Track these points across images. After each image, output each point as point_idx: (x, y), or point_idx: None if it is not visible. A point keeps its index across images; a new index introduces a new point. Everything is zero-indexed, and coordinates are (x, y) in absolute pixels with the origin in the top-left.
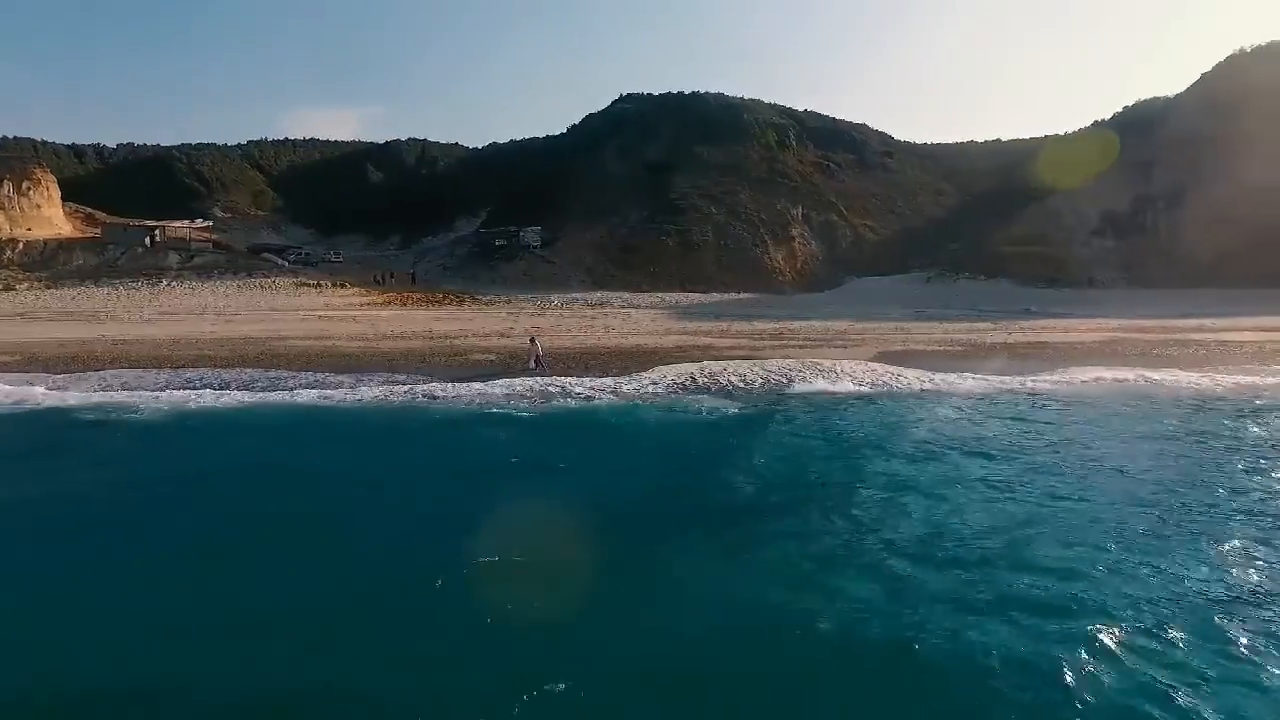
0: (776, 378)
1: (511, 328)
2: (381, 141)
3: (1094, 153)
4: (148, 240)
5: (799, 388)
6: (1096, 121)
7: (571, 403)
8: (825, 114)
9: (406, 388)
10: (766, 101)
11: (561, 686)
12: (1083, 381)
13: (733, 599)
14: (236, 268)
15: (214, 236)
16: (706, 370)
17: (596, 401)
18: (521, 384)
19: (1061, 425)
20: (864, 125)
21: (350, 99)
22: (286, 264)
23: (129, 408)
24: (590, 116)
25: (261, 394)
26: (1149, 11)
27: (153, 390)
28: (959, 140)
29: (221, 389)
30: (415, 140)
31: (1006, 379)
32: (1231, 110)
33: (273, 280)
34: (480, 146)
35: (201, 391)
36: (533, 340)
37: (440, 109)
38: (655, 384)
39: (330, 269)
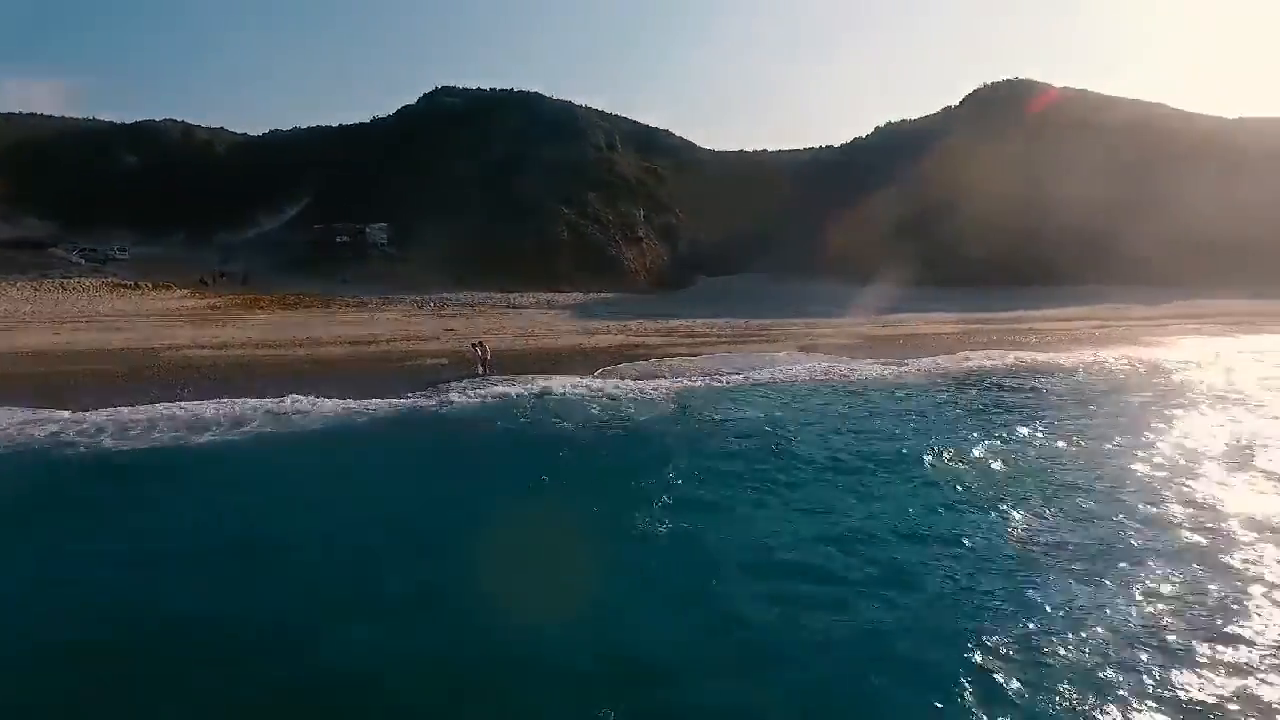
0: (746, 370)
1: (421, 330)
2: (128, 121)
3: (884, 165)
4: None
5: (779, 373)
6: (856, 137)
7: (627, 401)
8: (633, 119)
9: (412, 399)
10: (578, 104)
11: None
12: (975, 363)
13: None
14: (22, 266)
15: None
16: (674, 366)
17: (631, 399)
18: (562, 384)
19: (1040, 391)
20: (669, 131)
21: (52, 68)
22: (84, 262)
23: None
24: (408, 108)
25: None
26: (907, 43)
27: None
28: (739, 149)
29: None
30: (175, 121)
31: (923, 362)
32: (988, 132)
33: (75, 281)
34: (261, 134)
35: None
36: (476, 345)
37: (177, 85)
38: (655, 381)
39: (137, 270)
